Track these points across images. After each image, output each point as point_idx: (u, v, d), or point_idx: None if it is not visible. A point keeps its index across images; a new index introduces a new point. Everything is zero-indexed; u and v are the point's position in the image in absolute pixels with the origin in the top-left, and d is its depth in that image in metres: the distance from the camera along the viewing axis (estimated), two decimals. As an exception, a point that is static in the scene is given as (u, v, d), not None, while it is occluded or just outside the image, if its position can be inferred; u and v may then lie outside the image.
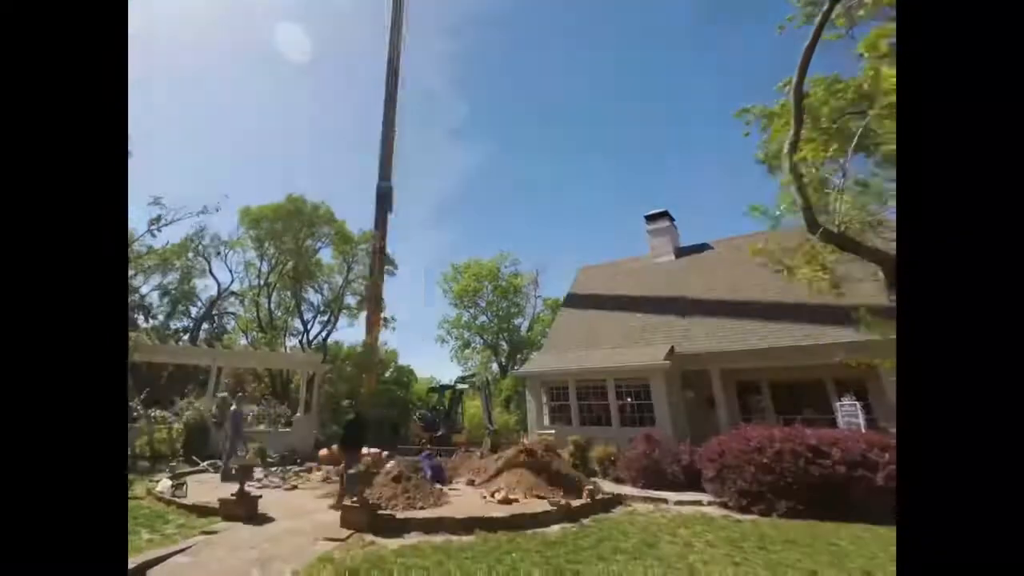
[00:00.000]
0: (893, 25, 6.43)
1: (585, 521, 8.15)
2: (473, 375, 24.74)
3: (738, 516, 8.60)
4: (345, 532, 7.07)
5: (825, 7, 6.32)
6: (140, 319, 33.83)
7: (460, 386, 22.59)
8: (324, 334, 35.64)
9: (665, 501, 9.72)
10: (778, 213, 7.85)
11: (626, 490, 10.59)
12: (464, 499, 9.29)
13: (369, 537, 6.91)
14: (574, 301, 21.19)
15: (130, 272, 30.70)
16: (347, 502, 7.69)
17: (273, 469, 13.40)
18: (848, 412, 10.93)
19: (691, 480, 10.48)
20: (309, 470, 13.50)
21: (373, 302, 19.94)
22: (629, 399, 14.31)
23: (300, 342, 34.25)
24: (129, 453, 14.26)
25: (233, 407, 12.88)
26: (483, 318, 38.82)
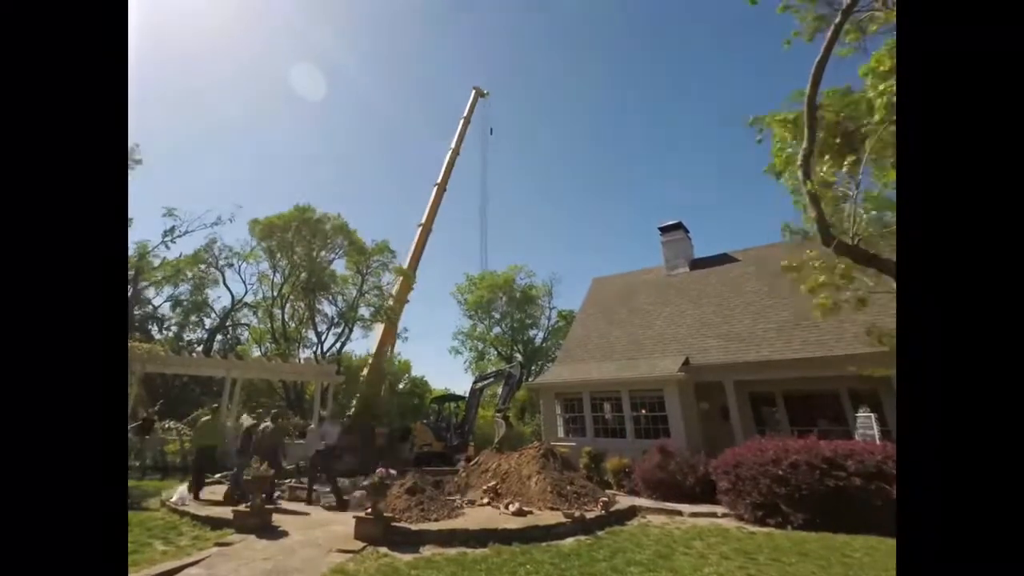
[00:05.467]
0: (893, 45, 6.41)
1: (599, 533, 8.11)
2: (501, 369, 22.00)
3: (753, 528, 8.54)
4: (359, 544, 7.09)
5: (837, 19, 6.31)
6: (154, 330, 34.20)
7: (481, 383, 20.56)
8: (338, 345, 35.82)
9: (680, 513, 9.69)
10: (808, 230, 7.79)
11: (640, 502, 10.55)
12: (478, 511, 9.28)
13: (383, 549, 6.91)
14: (588, 312, 21.17)
15: (143, 283, 31.10)
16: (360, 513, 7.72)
17: (287, 480, 13.39)
18: (863, 424, 10.81)
19: (706, 492, 10.43)
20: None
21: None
22: (643, 410, 14.27)
23: (314, 353, 34.43)
24: (142, 464, 14.39)
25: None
26: (497, 329, 38.91)
